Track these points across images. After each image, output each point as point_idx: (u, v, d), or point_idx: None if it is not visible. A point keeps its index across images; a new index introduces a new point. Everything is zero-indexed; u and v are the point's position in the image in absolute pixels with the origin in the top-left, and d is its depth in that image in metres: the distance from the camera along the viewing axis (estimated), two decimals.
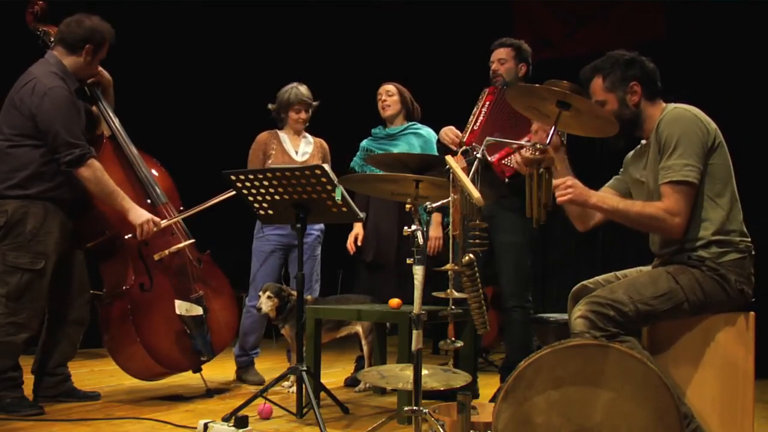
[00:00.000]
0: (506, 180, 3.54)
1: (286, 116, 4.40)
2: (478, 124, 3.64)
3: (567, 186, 2.47)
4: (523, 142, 3.29)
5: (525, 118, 3.41)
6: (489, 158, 3.51)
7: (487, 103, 3.68)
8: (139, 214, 3.46)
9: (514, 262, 3.69)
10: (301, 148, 4.41)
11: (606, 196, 2.49)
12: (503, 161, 3.55)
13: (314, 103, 4.43)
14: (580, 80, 2.58)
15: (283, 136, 4.43)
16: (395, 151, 4.16)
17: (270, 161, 4.33)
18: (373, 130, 4.44)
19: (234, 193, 3.62)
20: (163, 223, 3.57)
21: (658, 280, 2.40)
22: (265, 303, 3.85)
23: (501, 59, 3.83)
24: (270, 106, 4.45)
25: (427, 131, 4.29)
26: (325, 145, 4.51)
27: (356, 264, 4.40)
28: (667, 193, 2.38)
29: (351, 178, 3.51)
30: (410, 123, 4.33)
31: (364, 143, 4.44)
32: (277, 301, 3.86)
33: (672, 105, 2.52)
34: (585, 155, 5.44)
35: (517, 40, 3.88)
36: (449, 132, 3.73)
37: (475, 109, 3.71)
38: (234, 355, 4.45)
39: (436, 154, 4.09)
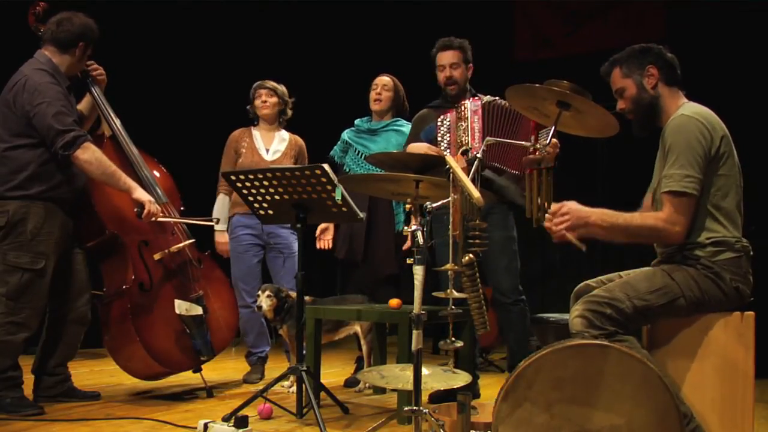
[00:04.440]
0: None
1: (255, 108, 4.44)
2: (477, 139, 3.47)
3: (562, 214, 2.46)
4: (524, 143, 3.31)
5: (519, 118, 3.42)
6: (514, 171, 3.45)
7: (476, 118, 3.49)
8: (145, 193, 3.48)
9: (509, 256, 3.67)
10: (273, 146, 4.40)
11: (605, 213, 2.44)
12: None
13: (282, 92, 4.43)
14: (580, 81, 2.58)
15: (256, 133, 4.45)
16: (373, 147, 4.17)
17: (240, 160, 4.36)
18: (356, 121, 4.40)
19: (215, 222, 3.83)
20: (161, 217, 3.55)
21: (653, 276, 2.42)
22: (265, 302, 3.84)
23: (453, 63, 3.76)
24: (248, 107, 4.51)
25: (408, 129, 4.23)
26: (301, 141, 4.48)
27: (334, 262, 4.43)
28: (667, 202, 2.39)
29: (351, 178, 3.52)
30: (394, 119, 4.30)
31: (345, 135, 4.41)
32: (276, 301, 3.86)
33: (685, 106, 2.51)
34: (585, 155, 5.44)
35: (458, 39, 3.80)
36: (428, 151, 3.54)
37: (464, 123, 3.49)
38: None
39: None
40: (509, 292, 3.68)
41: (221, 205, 4.39)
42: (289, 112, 4.51)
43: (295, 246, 4.37)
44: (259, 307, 3.87)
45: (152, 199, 3.50)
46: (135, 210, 3.49)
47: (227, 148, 4.44)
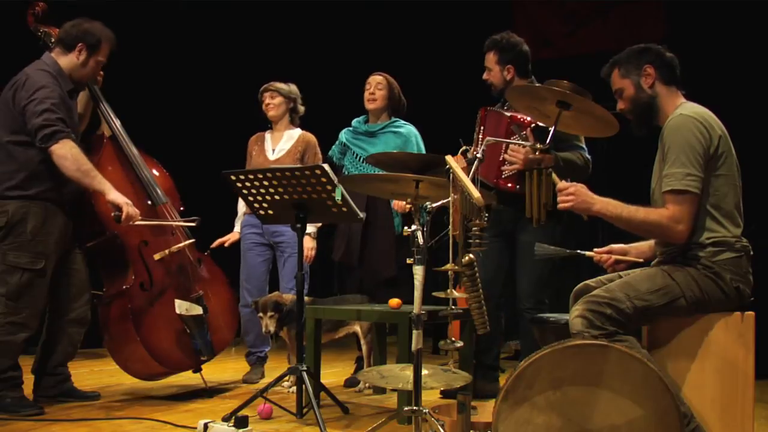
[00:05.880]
0: (516, 189, 3.45)
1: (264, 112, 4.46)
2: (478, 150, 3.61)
3: (569, 193, 2.48)
4: (523, 142, 3.32)
5: (511, 132, 3.48)
6: (491, 183, 3.50)
7: (483, 128, 3.64)
8: (120, 195, 3.39)
9: (535, 262, 3.55)
10: (279, 145, 4.39)
11: (610, 203, 2.47)
12: (502, 177, 3.52)
13: (287, 91, 4.40)
14: (580, 81, 2.58)
15: (267, 135, 4.47)
16: (372, 149, 4.12)
17: (251, 162, 4.41)
18: (354, 122, 4.36)
19: (195, 223, 3.77)
20: (140, 220, 3.46)
21: (654, 276, 2.43)
22: (271, 323, 3.80)
23: (487, 67, 3.75)
24: None
25: (407, 129, 4.21)
26: (309, 137, 4.40)
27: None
28: (670, 201, 2.40)
29: (351, 178, 3.53)
30: (392, 120, 4.25)
31: (342, 136, 4.37)
32: (278, 314, 3.84)
33: (683, 106, 2.52)
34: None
35: (500, 37, 3.71)
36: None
37: (474, 134, 3.67)
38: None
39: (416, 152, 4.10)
40: (525, 297, 3.66)
41: (240, 205, 4.45)
42: (301, 109, 4.47)
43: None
44: (269, 332, 3.84)
45: (129, 202, 3.41)
46: (112, 214, 3.42)
47: (247, 153, 4.49)
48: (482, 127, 3.64)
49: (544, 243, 3.57)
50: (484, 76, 3.77)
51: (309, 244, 4.24)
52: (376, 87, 4.22)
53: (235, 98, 6.56)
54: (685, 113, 2.45)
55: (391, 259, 4.11)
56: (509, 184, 3.50)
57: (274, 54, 7.00)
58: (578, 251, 2.71)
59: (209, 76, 6.80)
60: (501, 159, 3.48)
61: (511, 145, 3.42)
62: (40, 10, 3.63)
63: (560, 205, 2.51)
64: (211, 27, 6.84)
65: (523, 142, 3.38)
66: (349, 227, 4.20)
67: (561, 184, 2.52)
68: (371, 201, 4.09)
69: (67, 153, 3.28)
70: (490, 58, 3.73)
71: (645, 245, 2.70)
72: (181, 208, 3.92)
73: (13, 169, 3.31)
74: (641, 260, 2.66)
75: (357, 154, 4.25)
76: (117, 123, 3.74)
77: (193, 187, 4.39)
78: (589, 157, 3.60)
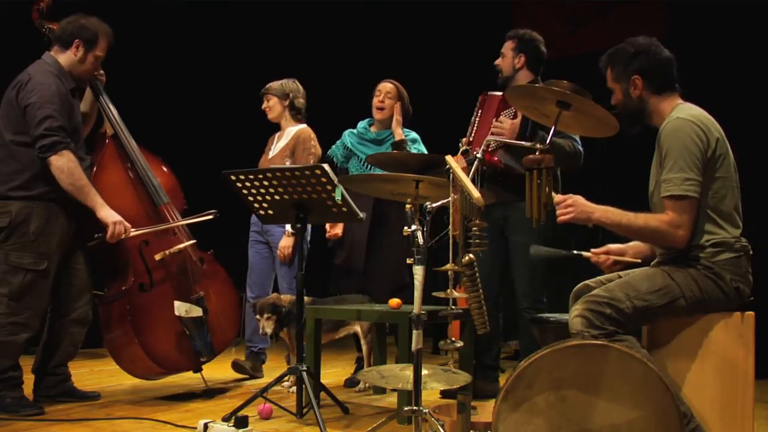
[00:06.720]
0: (501, 164, 3.54)
1: None
2: (473, 134, 3.66)
3: (567, 205, 2.49)
4: (523, 142, 3.32)
5: (501, 107, 3.52)
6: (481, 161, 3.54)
7: (480, 111, 3.69)
8: (111, 213, 3.40)
9: (527, 262, 3.60)
10: (278, 144, 4.41)
11: (609, 210, 2.48)
12: (488, 151, 3.55)
13: (277, 89, 4.38)
14: (580, 81, 2.58)
15: (276, 135, 4.49)
16: None
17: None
18: (359, 126, 4.33)
19: (212, 216, 3.74)
20: (133, 232, 3.47)
21: (654, 276, 2.43)
22: (268, 325, 3.81)
23: (502, 53, 3.83)
24: None
25: (413, 137, 4.21)
26: (300, 132, 4.32)
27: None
28: (669, 206, 2.40)
29: (351, 178, 3.52)
30: None
31: (347, 138, 4.34)
32: (276, 316, 3.84)
33: (680, 108, 2.51)
34: (585, 155, 5.44)
35: (523, 30, 3.84)
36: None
37: (472, 118, 3.72)
38: None
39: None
40: (522, 297, 3.69)
41: None
42: (301, 102, 4.43)
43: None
44: (266, 334, 3.85)
45: (118, 220, 3.40)
46: (96, 235, 3.43)
47: None
48: (480, 111, 3.69)
49: (534, 242, 3.59)
50: (496, 61, 3.84)
51: (283, 243, 4.23)
52: (386, 96, 4.20)
53: (242, 97, 6.57)
54: (682, 116, 2.45)
55: (405, 266, 4.08)
56: (495, 158, 3.56)
57: (279, 50, 7.01)
58: (575, 252, 2.72)
59: (219, 75, 6.81)
60: (490, 134, 3.53)
61: (499, 117, 3.51)
62: (44, 6, 3.62)
63: (560, 219, 2.50)
64: (219, 25, 6.85)
65: (523, 143, 3.39)
66: (351, 235, 4.19)
67: (557, 197, 2.51)
68: (383, 208, 4.08)
69: (63, 166, 3.28)
70: (507, 45, 3.82)
71: (642, 244, 2.70)
72: (184, 207, 3.91)
73: (16, 169, 3.32)
74: (639, 260, 2.66)
75: (363, 160, 4.24)
76: (119, 121, 3.72)
77: (198, 186, 4.40)
78: (581, 149, 3.64)
